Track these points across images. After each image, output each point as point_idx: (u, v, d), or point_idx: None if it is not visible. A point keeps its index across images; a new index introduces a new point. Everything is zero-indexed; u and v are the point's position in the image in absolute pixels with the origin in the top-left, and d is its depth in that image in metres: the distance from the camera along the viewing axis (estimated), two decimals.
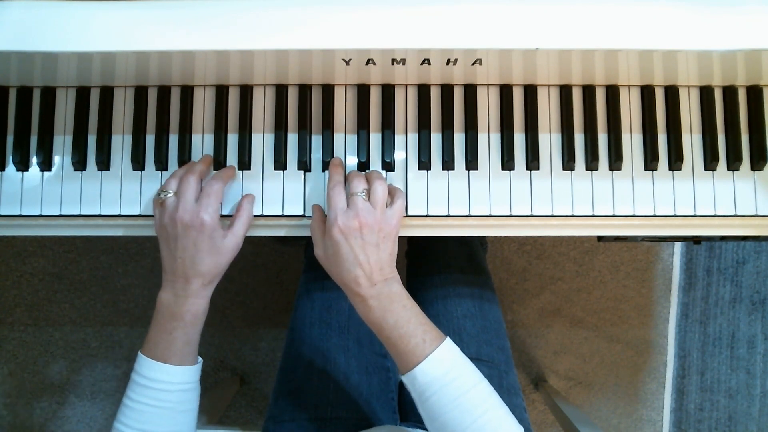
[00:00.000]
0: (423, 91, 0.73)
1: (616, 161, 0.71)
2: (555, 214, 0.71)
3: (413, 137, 0.73)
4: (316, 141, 0.73)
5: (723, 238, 0.75)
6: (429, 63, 0.67)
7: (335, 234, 0.63)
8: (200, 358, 0.69)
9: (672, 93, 0.72)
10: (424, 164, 0.72)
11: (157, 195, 0.68)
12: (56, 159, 0.73)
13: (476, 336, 0.90)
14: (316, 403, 0.85)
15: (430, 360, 0.61)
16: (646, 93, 0.72)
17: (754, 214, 0.72)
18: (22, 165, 0.73)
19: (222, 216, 0.68)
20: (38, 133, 0.73)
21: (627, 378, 1.57)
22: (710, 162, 0.72)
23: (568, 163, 0.72)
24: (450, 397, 0.60)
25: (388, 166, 0.72)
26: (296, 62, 0.68)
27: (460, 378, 0.61)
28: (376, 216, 0.64)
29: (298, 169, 0.72)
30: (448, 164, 0.72)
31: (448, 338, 0.64)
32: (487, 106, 0.73)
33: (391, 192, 0.68)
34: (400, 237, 0.68)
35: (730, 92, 0.73)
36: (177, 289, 0.65)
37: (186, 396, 0.67)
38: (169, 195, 0.66)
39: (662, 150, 0.72)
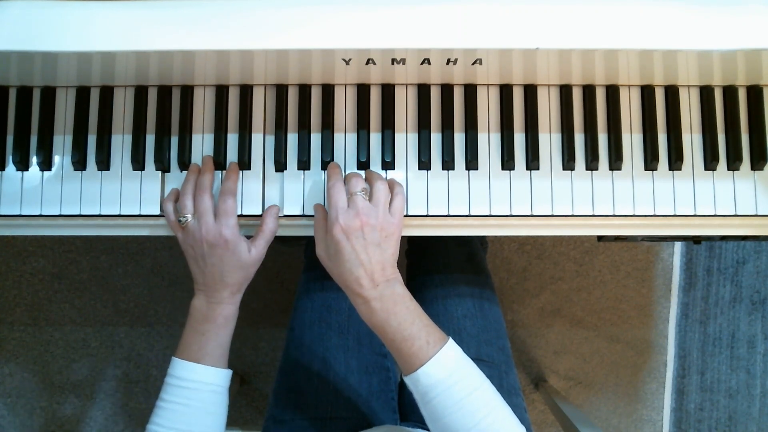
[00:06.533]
0: (423, 90, 0.73)
1: (616, 161, 0.71)
2: (555, 214, 0.71)
3: (413, 137, 0.73)
4: (316, 141, 0.73)
5: (723, 238, 0.75)
6: (429, 63, 0.67)
7: (336, 233, 0.63)
8: (230, 370, 0.71)
9: (672, 93, 0.72)
10: (424, 164, 0.72)
11: (176, 220, 0.69)
12: (56, 159, 0.73)
13: (476, 336, 0.90)
14: (316, 403, 0.85)
15: (434, 362, 0.61)
16: (646, 93, 0.72)
17: (754, 214, 0.72)
18: (22, 165, 0.73)
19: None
20: (38, 132, 0.73)
21: (627, 378, 1.57)
22: (710, 162, 0.72)
23: (568, 163, 0.72)
24: (453, 400, 0.59)
25: (388, 165, 0.72)
26: (296, 62, 0.68)
27: (463, 380, 0.61)
28: (378, 215, 0.64)
29: (298, 169, 0.72)
30: (448, 164, 0.72)
31: (450, 339, 0.63)
32: (487, 106, 0.73)
33: (390, 188, 0.68)
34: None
35: (730, 92, 0.72)
36: (209, 297, 0.70)
37: (215, 398, 0.69)
38: (189, 219, 0.68)
39: (662, 150, 0.72)
